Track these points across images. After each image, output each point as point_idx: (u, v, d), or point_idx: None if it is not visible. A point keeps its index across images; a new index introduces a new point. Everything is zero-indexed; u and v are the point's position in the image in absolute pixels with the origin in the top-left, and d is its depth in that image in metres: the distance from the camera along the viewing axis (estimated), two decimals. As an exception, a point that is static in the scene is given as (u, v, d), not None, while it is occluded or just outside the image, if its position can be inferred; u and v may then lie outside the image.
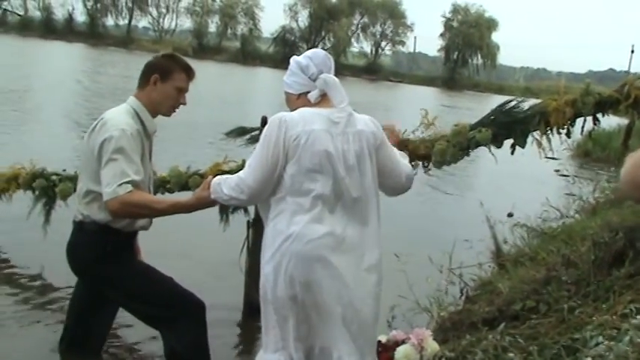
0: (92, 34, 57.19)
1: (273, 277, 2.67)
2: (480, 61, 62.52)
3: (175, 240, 5.53)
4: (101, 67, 29.63)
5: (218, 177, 2.85)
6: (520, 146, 3.57)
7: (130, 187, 2.90)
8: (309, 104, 2.79)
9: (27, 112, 13.77)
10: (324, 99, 2.80)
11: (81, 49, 44.23)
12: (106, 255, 3.07)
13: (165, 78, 3.14)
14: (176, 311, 3.06)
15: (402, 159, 3.01)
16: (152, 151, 3.28)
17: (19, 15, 59.51)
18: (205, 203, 2.91)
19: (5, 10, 60.22)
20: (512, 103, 3.66)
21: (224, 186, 2.74)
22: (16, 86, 17.58)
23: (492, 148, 3.64)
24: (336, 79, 2.80)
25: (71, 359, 3.41)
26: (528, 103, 3.64)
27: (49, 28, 55.88)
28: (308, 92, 2.80)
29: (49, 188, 4.95)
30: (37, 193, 5.02)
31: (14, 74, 20.51)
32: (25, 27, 55.03)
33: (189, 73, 3.21)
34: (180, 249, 5.43)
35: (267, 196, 2.72)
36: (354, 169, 2.71)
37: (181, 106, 3.25)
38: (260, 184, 2.66)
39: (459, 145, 3.57)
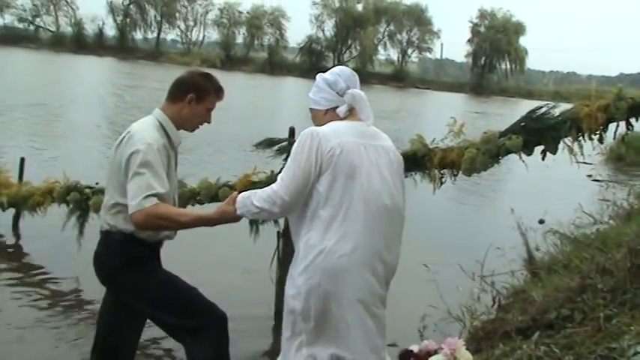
0: (122, 48, 58.22)
1: (305, 290, 2.70)
2: (508, 66, 62.04)
3: (205, 250, 5.57)
4: (131, 81, 30.09)
5: (245, 192, 2.86)
6: (551, 153, 3.52)
7: (155, 200, 2.93)
8: (337, 119, 2.83)
9: (60, 127, 14.05)
10: (351, 113, 2.85)
11: (111, 62, 45.01)
12: (131, 264, 3.09)
13: (201, 99, 3.16)
14: (199, 322, 3.06)
15: None
16: (177, 162, 3.31)
17: (51, 31, 60.94)
18: (229, 218, 2.92)
19: (38, 26, 61.73)
20: (543, 109, 3.62)
21: (254, 199, 2.75)
22: (50, 101, 17.96)
23: (523, 155, 3.60)
24: (363, 94, 2.85)
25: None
26: (559, 109, 3.58)
27: (80, 44, 57.06)
28: (336, 107, 2.85)
29: (82, 201, 5.05)
30: (71, 206, 5.12)
31: (48, 89, 20.96)
32: (58, 43, 56.31)
33: (220, 95, 3.25)
34: (210, 259, 5.47)
35: (297, 209, 2.73)
36: (387, 180, 2.76)
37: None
38: (292, 196, 2.67)
39: (489, 153, 3.54)
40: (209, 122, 3.27)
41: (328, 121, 2.81)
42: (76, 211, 5.13)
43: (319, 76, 2.93)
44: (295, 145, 2.73)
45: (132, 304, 3.19)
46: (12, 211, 5.96)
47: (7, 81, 22.93)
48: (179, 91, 3.18)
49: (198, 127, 3.28)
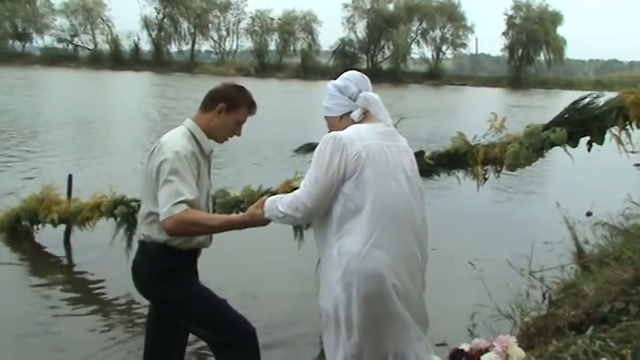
0: (158, 61, 59.27)
1: (345, 296, 2.71)
2: (546, 56, 60.91)
3: (250, 257, 5.63)
4: (168, 93, 30.60)
5: (273, 196, 2.89)
6: (598, 143, 3.46)
7: (184, 206, 2.97)
8: (352, 123, 2.84)
9: (103, 142, 14.38)
10: (366, 116, 2.86)
11: (148, 76, 45.83)
12: (165, 274, 3.13)
13: (231, 110, 3.21)
14: (228, 337, 3.08)
15: None
16: (210, 169, 3.36)
17: (89, 49, 62.42)
18: (259, 221, 2.95)
19: (77, 45, 63.31)
20: (587, 100, 3.55)
21: (279, 204, 2.76)
22: (92, 117, 18.40)
23: (568, 147, 3.53)
24: (376, 96, 2.85)
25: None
26: (604, 99, 3.51)
27: (117, 60, 58.31)
28: (349, 112, 2.86)
29: (129, 214, 5.16)
30: (118, 219, 5.24)
31: (89, 106, 21.48)
32: (96, 60, 57.70)
33: (252, 109, 3.29)
34: (255, 270, 5.51)
35: (321, 214, 2.74)
36: (412, 180, 2.78)
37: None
38: (315, 203, 2.68)
39: (533, 147, 3.49)
40: (239, 135, 3.30)
41: (344, 127, 2.82)
42: (123, 224, 5.24)
43: (330, 83, 2.95)
44: (317, 149, 2.74)
45: (168, 314, 3.25)
46: (63, 226, 6.12)
47: (51, 100, 23.59)
48: (211, 101, 3.23)
49: (227, 139, 3.32)
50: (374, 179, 2.68)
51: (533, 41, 59.59)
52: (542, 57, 61.36)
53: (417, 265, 2.81)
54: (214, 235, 3.31)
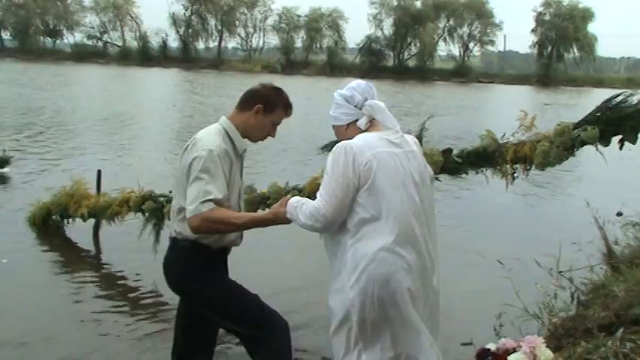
0: (185, 58, 59.76)
1: (359, 300, 2.78)
2: (577, 54, 59.99)
3: (276, 255, 5.66)
4: (196, 90, 30.83)
5: (296, 198, 2.95)
6: (631, 142, 3.40)
7: (212, 205, 2.99)
8: (358, 132, 2.92)
9: (132, 138, 14.55)
10: (372, 124, 2.93)
11: (176, 73, 46.23)
12: (196, 271, 3.16)
13: (268, 111, 3.22)
14: (261, 331, 3.10)
15: None
16: (243, 168, 3.37)
17: (118, 46, 63.20)
18: (281, 219, 2.99)
19: (106, 42, 64.14)
20: (620, 98, 3.49)
21: (300, 213, 2.83)
22: (121, 113, 18.63)
23: (599, 146, 3.48)
24: (382, 104, 2.93)
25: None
26: (637, 97, 3.44)
27: (145, 56, 58.93)
28: (356, 121, 2.94)
29: (157, 210, 5.22)
30: (146, 214, 5.30)
31: (118, 102, 21.75)
32: (125, 57, 58.41)
33: (289, 111, 3.30)
34: (287, 270, 5.53)
35: (339, 223, 2.81)
36: (420, 185, 2.86)
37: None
38: (334, 213, 2.76)
39: (563, 145, 3.45)
40: (273, 136, 3.32)
41: (351, 135, 2.91)
42: (151, 219, 5.30)
43: (336, 93, 3.03)
44: (329, 161, 2.82)
45: (200, 310, 3.28)
46: (92, 221, 6.21)
47: (82, 96, 23.94)
48: (248, 101, 3.25)
49: (262, 140, 3.34)
50: (385, 187, 2.77)
51: (563, 38, 58.73)
52: (572, 54, 60.47)
53: (429, 270, 2.89)
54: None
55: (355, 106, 2.96)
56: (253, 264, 4.68)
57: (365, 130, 2.93)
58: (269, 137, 3.34)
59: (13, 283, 5.02)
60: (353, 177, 2.76)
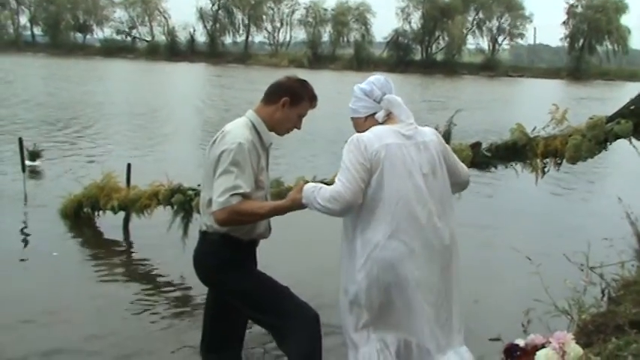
0: (212, 52, 60.10)
1: (366, 283, 2.95)
2: (609, 47, 58.84)
3: (300, 245, 5.67)
4: (223, 84, 31.02)
5: (312, 184, 3.08)
6: (665, 135, 3.33)
7: (240, 199, 3.03)
8: (376, 124, 3.08)
9: (161, 131, 14.71)
10: (389, 117, 3.10)
11: (203, 68, 46.56)
12: (227, 265, 3.20)
13: (295, 104, 3.24)
14: (291, 322, 3.12)
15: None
16: (269, 161, 3.39)
17: (146, 41, 63.83)
18: (298, 205, 3.05)
19: (135, 37, 64.84)
20: (654, 91, 3.43)
21: (318, 197, 2.95)
22: (149, 108, 18.84)
23: (633, 140, 3.42)
24: (399, 98, 3.10)
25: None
26: (672, 90, 3.38)
27: (173, 51, 59.43)
28: (374, 114, 3.11)
29: (185, 203, 5.27)
30: (175, 207, 5.35)
31: (146, 97, 21.99)
32: (153, 51, 58.99)
33: (314, 103, 3.33)
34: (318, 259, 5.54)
35: (355, 209, 2.95)
36: (429, 176, 2.99)
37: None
38: (354, 196, 2.90)
39: (596, 139, 3.40)
40: (299, 128, 3.35)
41: (368, 127, 3.07)
42: (180, 212, 5.36)
43: (356, 87, 3.19)
44: (345, 151, 3.00)
45: (230, 302, 3.31)
46: (122, 213, 6.30)
47: (112, 91, 24.27)
48: (274, 94, 3.26)
49: (288, 132, 3.36)
50: (391, 176, 2.93)
51: (595, 31, 57.66)
52: (604, 47, 59.35)
53: (439, 259, 3.00)
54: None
55: (374, 100, 3.11)
56: (278, 254, 4.70)
57: (382, 123, 3.09)
58: (295, 129, 3.37)
59: (52, 275, 5.12)
60: (365, 163, 2.92)
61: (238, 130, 3.18)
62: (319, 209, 2.97)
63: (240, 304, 3.26)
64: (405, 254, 2.93)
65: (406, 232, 2.94)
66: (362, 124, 3.15)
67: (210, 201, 3.20)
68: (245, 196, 3.07)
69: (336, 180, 2.96)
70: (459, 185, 3.34)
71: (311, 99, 3.30)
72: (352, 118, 3.21)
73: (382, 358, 3.04)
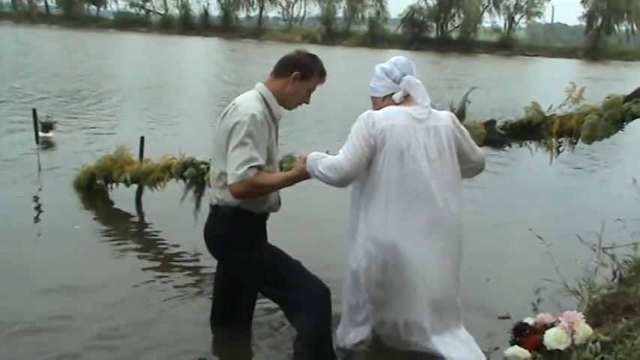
0: (226, 27, 59.66)
1: (366, 262, 3.08)
2: (628, 27, 57.81)
3: (308, 217, 5.68)
4: (236, 59, 30.91)
5: (315, 153, 3.15)
6: (684, 115, 3.28)
7: (256, 171, 3.06)
8: (393, 104, 3.14)
9: (173, 105, 14.72)
10: (407, 99, 3.14)
11: (216, 42, 46.36)
12: (238, 238, 3.23)
13: (305, 78, 3.25)
14: (302, 296, 3.15)
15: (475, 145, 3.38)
16: (278, 135, 3.39)
17: (160, 14, 63.48)
18: (304, 175, 3.12)
19: (148, 10, 64.54)
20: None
21: (319, 164, 3.03)
22: (164, 81, 18.84)
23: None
24: (418, 80, 3.14)
25: (221, 334, 3.65)
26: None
27: (187, 25, 59.06)
28: (393, 94, 3.16)
29: (198, 176, 5.29)
30: (187, 181, 5.37)
31: (160, 70, 21.97)
32: (166, 25, 58.68)
33: (323, 78, 3.35)
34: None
35: (354, 180, 3.07)
36: (435, 160, 3.04)
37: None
38: (353, 168, 2.98)
39: (612, 119, 3.36)
40: (307, 103, 3.36)
41: (386, 106, 3.14)
42: (192, 185, 5.38)
43: (377, 66, 3.27)
44: (354, 125, 3.08)
45: (241, 275, 3.33)
46: (135, 186, 6.33)
47: (126, 64, 24.26)
48: (285, 68, 3.26)
49: (297, 107, 3.37)
50: (393, 158, 3.00)
51: (614, 10, 56.57)
52: (623, 27, 58.36)
53: (440, 242, 3.08)
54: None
55: (393, 80, 3.17)
56: (288, 228, 4.72)
57: (398, 104, 3.14)
58: (303, 104, 3.37)
59: (68, 247, 5.16)
60: (370, 139, 3.00)
61: (249, 102, 3.19)
62: (319, 177, 3.05)
63: (250, 277, 3.29)
64: (404, 236, 3.00)
65: (406, 214, 3.00)
66: (380, 103, 3.20)
67: (220, 174, 3.20)
68: (260, 168, 3.08)
69: (340, 151, 3.04)
70: (473, 170, 3.39)
71: (320, 74, 3.31)
72: (372, 97, 3.27)
73: (377, 337, 3.21)
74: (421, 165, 3.00)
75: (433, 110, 3.13)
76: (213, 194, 3.33)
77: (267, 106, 3.24)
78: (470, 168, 3.36)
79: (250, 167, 3.05)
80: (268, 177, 3.16)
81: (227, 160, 3.10)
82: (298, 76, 3.23)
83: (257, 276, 3.26)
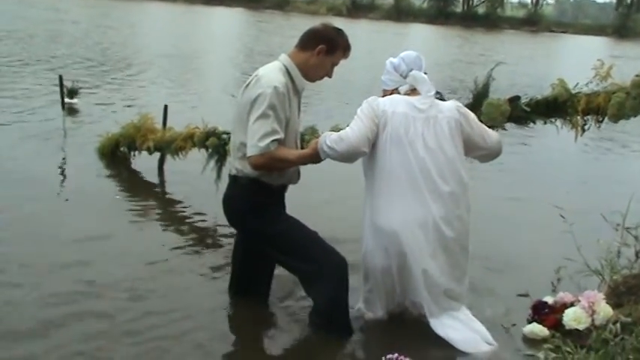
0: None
1: (371, 247, 3.23)
2: (659, 5, 56.41)
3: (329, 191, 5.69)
4: (260, 30, 30.75)
5: (328, 132, 3.29)
6: None
7: (277, 144, 3.08)
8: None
9: (199, 74, 14.76)
10: (413, 92, 3.29)
11: (241, 13, 46.07)
12: (257, 208, 3.25)
13: (330, 52, 3.25)
14: (319, 267, 3.17)
15: (488, 129, 3.47)
16: (300, 107, 3.39)
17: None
18: (317, 155, 3.19)
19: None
20: None
21: (327, 139, 3.14)
22: (188, 50, 18.84)
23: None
24: (424, 75, 3.27)
25: (239, 304, 3.69)
26: None
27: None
28: (399, 88, 3.33)
29: (220, 146, 5.30)
30: (209, 150, 5.40)
31: (184, 40, 21.94)
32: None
33: (347, 53, 3.35)
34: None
35: (359, 155, 3.19)
36: (435, 150, 3.13)
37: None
38: (357, 141, 3.09)
39: (640, 97, 3.29)
40: (330, 77, 3.37)
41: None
42: (214, 155, 5.39)
43: (388, 60, 3.40)
44: (359, 108, 3.23)
45: (259, 246, 3.36)
46: (158, 154, 6.38)
47: (150, 33, 24.26)
48: (310, 41, 3.25)
49: (320, 79, 3.38)
50: (391, 145, 3.13)
51: (646, -13, 55.27)
52: (655, 5, 56.93)
53: (441, 229, 3.16)
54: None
55: (400, 75, 3.32)
56: (307, 200, 4.74)
57: (404, 95, 3.29)
58: (326, 78, 3.37)
59: (92, 211, 5.24)
60: (375, 118, 3.14)
61: (272, 74, 3.18)
62: (327, 152, 3.13)
63: (268, 248, 3.31)
64: (402, 223, 3.12)
65: (404, 201, 3.12)
66: (388, 95, 3.33)
67: (241, 145, 3.22)
68: (280, 142, 3.09)
69: (348, 127, 3.18)
70: (488, 156, 3.47)
71: (345, 49, 3.32)
72: (382, 90, 3.42)
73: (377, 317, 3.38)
74: (419, 153, 3.11)
75: (436, 101, 3.23)
76: (233, 164, 3.34)
77: (291, 78, 3.23)
78: (484, 154, 3.44)
79: (272, 140, 3.06)
80: (286, 152, 3.19)
81: (248, 132, 3.10)
82: (323, 50, 3.22)
83: (274, 246, 3.28)
